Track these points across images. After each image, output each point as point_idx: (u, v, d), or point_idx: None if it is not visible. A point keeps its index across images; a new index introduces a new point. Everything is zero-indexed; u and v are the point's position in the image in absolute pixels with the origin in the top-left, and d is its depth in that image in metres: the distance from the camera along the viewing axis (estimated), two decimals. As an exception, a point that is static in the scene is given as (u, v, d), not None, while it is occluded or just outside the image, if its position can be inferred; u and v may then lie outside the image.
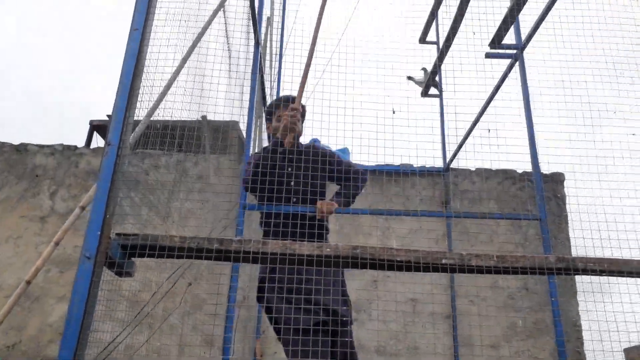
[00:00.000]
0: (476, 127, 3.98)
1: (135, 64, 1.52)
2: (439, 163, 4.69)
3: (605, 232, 2.54)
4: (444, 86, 4.17)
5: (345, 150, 6.18)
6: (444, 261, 1.43)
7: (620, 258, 1.50)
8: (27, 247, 4.71)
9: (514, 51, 3.07)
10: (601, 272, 1.47)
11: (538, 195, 2.90)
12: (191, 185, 4.82)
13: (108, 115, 6.33)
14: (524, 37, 3.06)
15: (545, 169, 4.39)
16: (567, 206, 4.65)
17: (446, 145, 4.46)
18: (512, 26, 2.99)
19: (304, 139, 5.76)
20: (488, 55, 3.05)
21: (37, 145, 5.15)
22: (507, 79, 3.25)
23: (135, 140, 3.68)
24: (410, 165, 4.61)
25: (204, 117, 5.76)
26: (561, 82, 2.97)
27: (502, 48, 3.00)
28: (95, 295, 1.37)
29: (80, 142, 6.99)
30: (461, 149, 4.31)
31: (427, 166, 4.65)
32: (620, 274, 1.46)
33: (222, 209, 4.47)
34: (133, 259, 1.52)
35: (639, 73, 2.82)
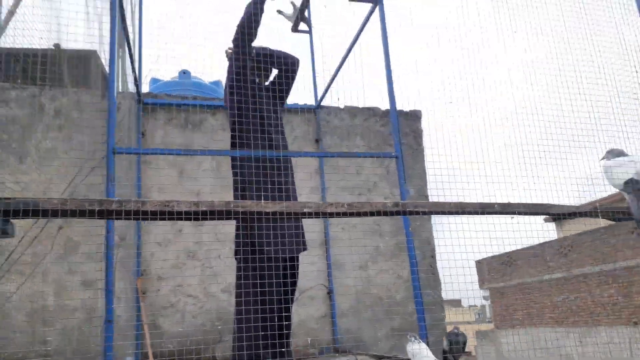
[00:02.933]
0: (343, 66, 4.19)
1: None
2: (311, 101, 4.90)
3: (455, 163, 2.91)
4: (313, 25, 4.26)
5: (217, 83, 6.09)
6: (305, 210, 1.61)
7: (441, 201, 1.80)
8: None
9: (374, -4, 3.26)
10: (428, 213, 1.76)
11: (395, 135, 3.22)
12: (49, 122, 4.46)
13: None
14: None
15: (405, 106, 4.79)
16: (424, 140, 5.16)
17: (317, 83, 4.63)
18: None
19: (174, 73, 5.55)
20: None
21: None
22: (369, 22, 3.45)
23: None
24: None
25: (57, 45, 5.23)
26: (419, 25, 3.25)
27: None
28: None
29: None
30: (331, 87, 4.53)
31: (300, 104, 4.82)
32: (442, 213, 1.77)
33: (88, 149, 4.26)
34: (12, 220, 1.47)
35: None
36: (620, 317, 14.17)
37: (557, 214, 1.97)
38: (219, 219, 1.63)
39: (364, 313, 4.66)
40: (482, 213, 1.92)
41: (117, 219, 1.52)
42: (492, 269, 19.05)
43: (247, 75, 3.17)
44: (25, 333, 4.01)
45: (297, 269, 3.21)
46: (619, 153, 1.89)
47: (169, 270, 4.34)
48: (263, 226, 2.88)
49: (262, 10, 3.10)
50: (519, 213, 1.95)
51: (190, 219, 1.56)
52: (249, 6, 3.09)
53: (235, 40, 3.11)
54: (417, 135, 5.27)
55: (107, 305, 2.49)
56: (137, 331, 4.03)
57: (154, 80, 5.65)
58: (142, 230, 4.33)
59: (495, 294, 19.08)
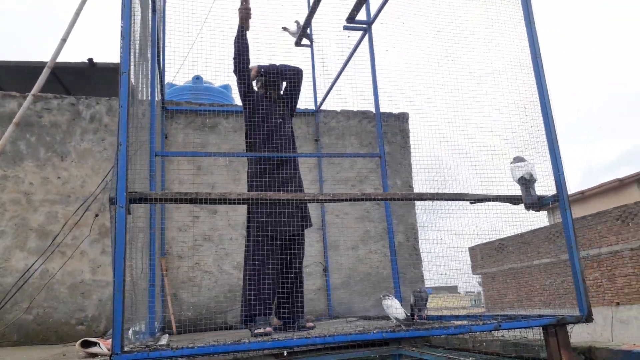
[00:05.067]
0: (340, 76, 4.90)
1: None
2: (311, 105, 5.63)
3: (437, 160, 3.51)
4: (314, 40, 4.96)
5: (227, 87, 6.77)
6: (320, 197, 2.33)
7: (392, 192, 2.50)
8: None
9: (365, 25, 3.98)
10: (381, 199, 2.45)
11: (379, 138, 3.94)
12: (85, 126, 5.17)
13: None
14: (373, 14, 3.98)
15: (394, 109, 5.52)
16: (410, 139, 5.89)
17: (317, 90, 5.36)
18: (364, 6, 3.85)
19: (188, 77, 6.20)
20: (346, 28, 3.91)
21: None
22: (361, 44, 4.17)
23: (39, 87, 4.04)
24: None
25: (90, 59, 5.96)
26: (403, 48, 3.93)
27: (356, 23, 3.88)
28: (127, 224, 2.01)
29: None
30: (329, 94, 5.25)
31: (301, 108, 5.54)
32: (393, 199, 2.44)
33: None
34: (133, 205, 2.18)
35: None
36: (604, 298, 14.98)
37: (471, 200, 2.67)
38: (245, 202, 2.31)
39: (354, 287, 5.42)
40: (420, 199, 2.59)
41: (192, 204, 2.22)
42: (484, 255, 19.85)
43: (252, 94, 3.81)
44: (67, 303, 4.77)
45: (298, 244, 3.81)
46: (520, 159, 2.65)
47: (187, 251, 5.10)
48: (263, 211, 3.53)
49: (246, 44, 3.73)
50: (441, 199, 2.62)
51: (223, 202, 2.26)
52: (235, 41, 3.71)
53: (235, 72, 3.73)
54: (405, 134, 5.99)
55: (151, 272, 3.23)
56: (161, 301, 4.79)
57: (170, 85, 6.31)
58: (166, 217, 5.07)
59: (487, 279, 19.91)
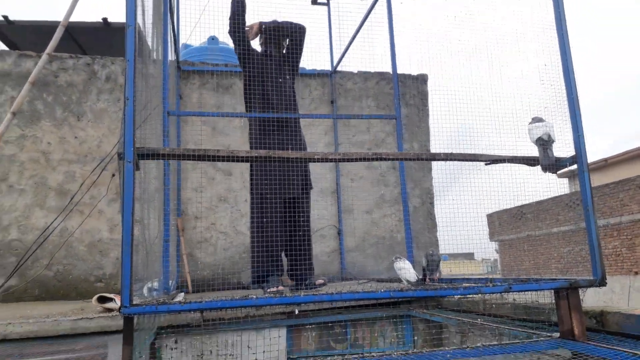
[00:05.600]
0: (358, 36, 4.77)
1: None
2: (327, 66, 5.52)
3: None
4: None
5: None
6: (330, 157, 2.29)
7: (404, 152, 2.44)
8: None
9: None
10: (392, 159, 2.39)
11: (395, 99, 3.85)
12: (101, 86, 5.17)
13: (4, 17, 6.00)
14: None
15: (413, 70, 5.37)
16: (429, 101, 5.76)
17: (333, 50, 5.23)
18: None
19: (204, 38, 6.11)
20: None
21: None
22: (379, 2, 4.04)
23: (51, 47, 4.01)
24: (303, 68, 5.34)
25: (104, 19, 5.90)
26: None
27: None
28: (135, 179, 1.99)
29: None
30: (346, 54, 5.12)
31: (317, 69, 5.44)
32: (405, 159, 2.38)
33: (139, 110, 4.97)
34: (141, 160, 2.15)
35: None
36: (622, 267, 14.84)
37: (485, 161, 2.59)
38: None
39: (368, 250, 5.44)
40: (433, 159, 2.53)
41: (200, 160, 2.20)
42: (502, 222, 19.72)
43: (250, 54, 3.75)
44: (86, 261, 4.88)
45: (301, 206, 3.80)
46: (538, 119, 2.56)
47: (204, 211, 5.14)
48: (263, 174, 3.53)
49: (243, 5, 3.65)
50: (455, 159, 2.54)
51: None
52: (232, 1, 3.65)
53: (230, 32, 3.66)
54: (424, 97, 5.86)
55: (165, 228, 3.26)
56: (176, 260, 4.87)
57: (185, 46, 6.25)
58: (182, 177, 5.10)
59: (504, 246, 19.84)
